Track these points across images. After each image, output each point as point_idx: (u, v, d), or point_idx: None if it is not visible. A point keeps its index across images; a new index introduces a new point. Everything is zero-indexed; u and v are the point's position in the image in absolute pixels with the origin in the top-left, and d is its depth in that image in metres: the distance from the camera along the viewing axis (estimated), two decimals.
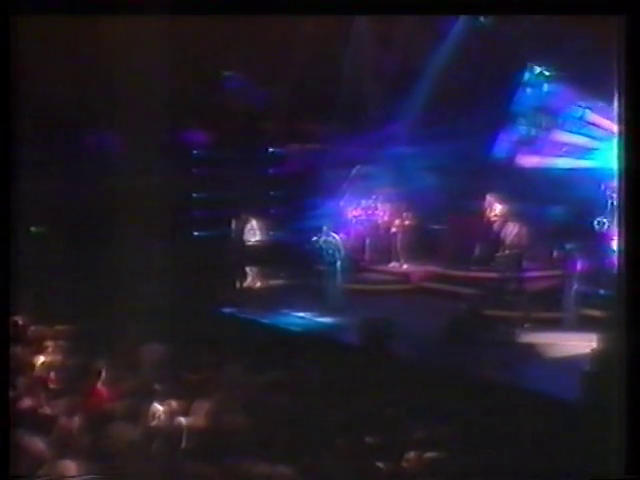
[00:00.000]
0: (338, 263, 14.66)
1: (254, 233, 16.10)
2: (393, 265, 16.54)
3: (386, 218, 16.77)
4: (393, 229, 16.56)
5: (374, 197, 17.05)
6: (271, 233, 16.70)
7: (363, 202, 17.09)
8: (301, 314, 14.02)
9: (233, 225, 16.17)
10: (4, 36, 7.08)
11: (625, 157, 6.74)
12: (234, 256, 16.05)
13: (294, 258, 15.78)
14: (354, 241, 16.67)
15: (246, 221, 16.14)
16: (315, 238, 14.79)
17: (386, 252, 16.70)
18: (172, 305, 13.20)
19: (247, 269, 16.04)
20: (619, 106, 6.85)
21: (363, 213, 17.08)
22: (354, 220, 17.00)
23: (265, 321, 13.60)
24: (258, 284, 15.95)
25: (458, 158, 15.84)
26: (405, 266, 16.35)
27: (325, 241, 14.71)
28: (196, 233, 17.08)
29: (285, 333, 13.04)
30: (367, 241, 17.00)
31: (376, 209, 17.01)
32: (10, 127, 7.19)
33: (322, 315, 13.94)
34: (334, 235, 14.86)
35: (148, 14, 8.66)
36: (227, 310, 14.32)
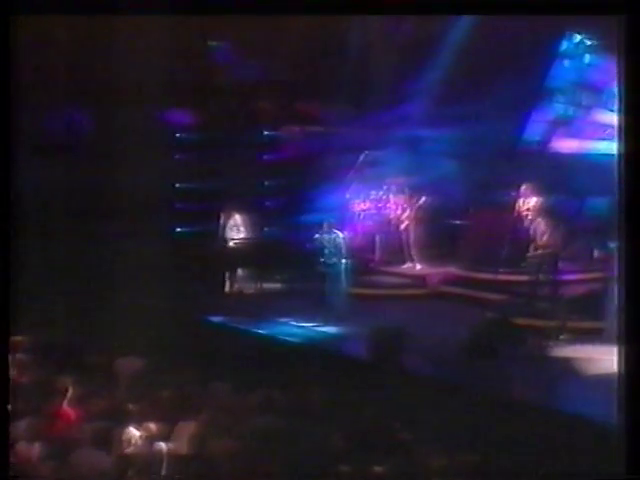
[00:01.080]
0: (343, 264, 14.66)
1: (245, 229, 16.11)
2: (407, 266, 16.56)
3: (399, 212, 16.76)
4: (407, 225, 16.56)
5: (385, 188, 17.05)
6: (266, 229, 16.73)
7: (372, 194, 17.09)
8: (300, 323, 14.04)
9: (221, 220, 16.16)
10: (4, 36, 7.90)
11: (625, 160, 7.27)
12: (222, 256, 16.07)
13: (292, 258, 15.78)
14: (362, 239, 16.69)
15: (236, 215, 16.14)
16: (317, 235, 14.78)
17: (399, 251, 16.72)
18: (151, 313, 13.24)
19: (238, 271, 16.05)
20: (619, 107, 7.53)
21: (372, 206, 17.09)
22: (362, 214, 17.01)
23: (259, 331, 13.62)
24: (251, 288, 15.96)
25: (483, 142, 15.87)
26: (421, 267, 16.37)
27: (328, 239, 14.70)
28: (179, 229, 17.08)
29: (282, 345, 13.06)
30: (377, 239, 17.01)
31: (387, 202, 17.00)
32: (10, 127, 7.82)
33: (325, 324, 13.96)
34: (338, 232, 14.85)
35: (148, 14, 9.25)
36: (215, 319, 14.34)
